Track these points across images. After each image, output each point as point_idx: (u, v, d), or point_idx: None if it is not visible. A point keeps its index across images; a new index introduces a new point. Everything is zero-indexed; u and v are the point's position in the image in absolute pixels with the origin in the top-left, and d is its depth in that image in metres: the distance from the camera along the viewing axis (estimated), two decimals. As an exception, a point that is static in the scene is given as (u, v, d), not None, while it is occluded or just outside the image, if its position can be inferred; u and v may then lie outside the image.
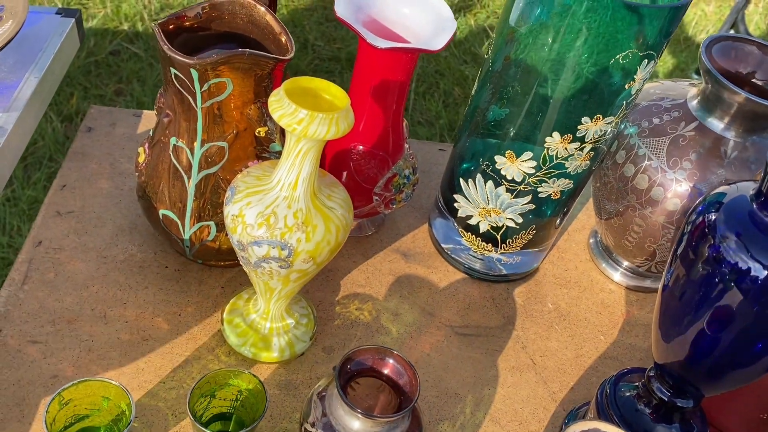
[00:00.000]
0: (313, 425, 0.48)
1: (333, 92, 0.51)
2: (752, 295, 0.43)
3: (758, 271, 0.42)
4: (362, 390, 0.53)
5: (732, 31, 2.60)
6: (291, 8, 2.20)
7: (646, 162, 0.64)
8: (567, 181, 0.64)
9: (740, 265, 0.42)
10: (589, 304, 0.75)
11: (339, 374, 0.47)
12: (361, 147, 0.68)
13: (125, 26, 1.96)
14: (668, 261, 0.48)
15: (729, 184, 0.48)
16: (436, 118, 1.80)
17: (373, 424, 0.46)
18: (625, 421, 0.54)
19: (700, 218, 0.46)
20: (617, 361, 0.70)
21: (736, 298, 0.44)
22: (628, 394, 0.56)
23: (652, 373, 0.54)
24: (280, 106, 0.48)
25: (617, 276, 0.77)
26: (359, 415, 0.45)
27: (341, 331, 0.66)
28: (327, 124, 0.48)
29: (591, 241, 0.81)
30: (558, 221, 0.71)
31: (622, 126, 0.67)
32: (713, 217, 0.45)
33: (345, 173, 0.69)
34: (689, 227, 0.46)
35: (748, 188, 0.45)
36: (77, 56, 1.76)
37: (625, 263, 0.76)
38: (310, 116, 0.47)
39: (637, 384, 0.56)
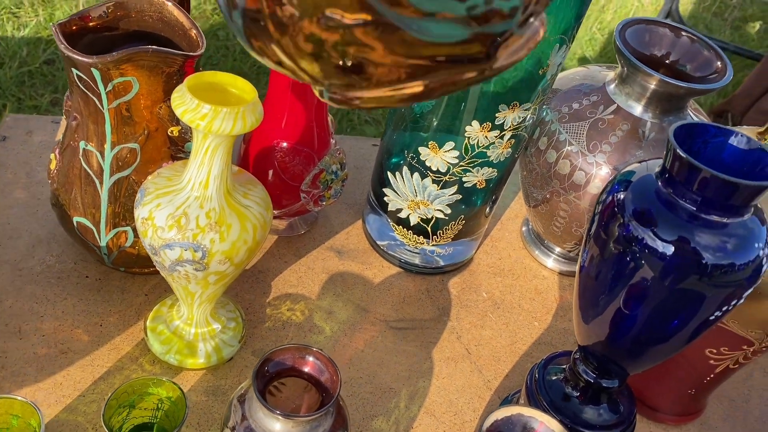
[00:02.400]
0: (233, 429, 0.46)
1: (240, 86, 0.49)
2: (662, 272, 0.43)
3: (666, 248, 0.42)
4: (288, 391, 0.52)
5: (668, 21, 2.67)
6: (218, 8, 2.17)
7: (567, 147, 0.65)
8: (491, 169, 0.64)
9: (648, 242, 0.43)
10: (522, 291, 0.75)
11: (257, 376, 0.45)
12: (284, 144, 0.67)
13: (58, 33, 1.90)
14: (583, 241, 0.49)
15: (640, 162, 0.49)
16: (383, 117, 1.80)
17: (294, 424, 0.45)
18: (554, 405, 0.54)
19: (610, 197, 0.46)
20: (551, 346, 0.70)
21: (647, 276, 0.44)
22: (555, 377, 0.56)
23: (577, 356, 0.54)
24: (183, 102, 0.46)
25: (550, 262, 0.78)
26: (278, 416, 0.44)
27: (272, 333, 0.65)
28: (233, 118, 0.46)
29: (524, 229, 0.81)
30: (487, 210, 0.71)
31: (543, 112, 0.68)
32: (622, 196, 0.45)
33: (270, 171, 0.68)
34: (600, 207, 0.46)
35: (655, 166, 0.45)
36: (9, 66, 1.69)
37: (557, 249, 0.77)
38: (213, 111, 0.46)
39: (564, 367, 0.56)
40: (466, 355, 0.67)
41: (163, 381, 0.50)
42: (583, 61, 2.31)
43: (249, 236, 0.52)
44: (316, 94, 0.28)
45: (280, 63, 0.26)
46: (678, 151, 0.41)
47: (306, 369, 0.48)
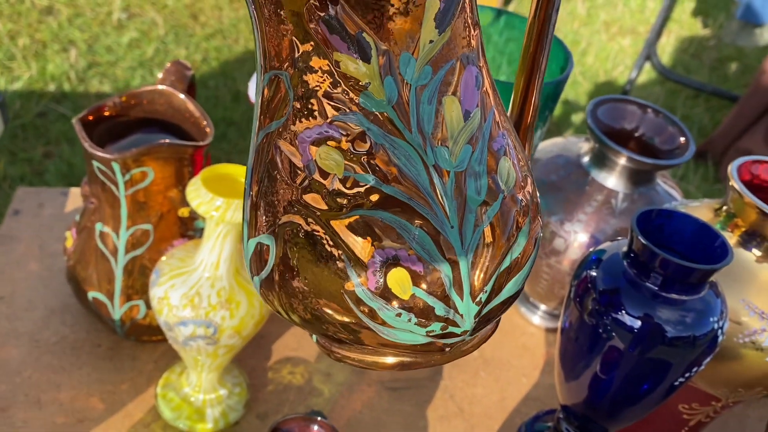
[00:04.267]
0: (244, 496, 0.50)
1: (247, 177, 0.54)
2: (631, 343, 0.48)
3: (633, 322, 0.47)
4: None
5: (648, 63, 2.77)
6: (222, 60, 2.24)
7: (546, 215, 0.70)
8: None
9: (618, 317, 0.48)
10: (511, 348, 0.80)
11: (266, 445, 0.49)
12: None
13: (52, 87, 1.95)
14: (563, 304, 0.53)
15: (613, 241, 0.54)
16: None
17: (301, 490, 0.49)
18: (541, 462, 0.58)
19: (584, 273, 0.51)
20: (539, 401, 0.74)
21: (618, 346, 0.49)
22: (541, 436, 0.60)
23: (561, 415, 0.59)
24: (198, 195, 0.51)
25: (536, 319, 0.82)
26: (286, 483, 0.48)
27: (274, 396, 0.69)
28: (242, 209, 0.51)
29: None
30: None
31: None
32: (594, 274, 0.50)
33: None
34: (576, 281, 0.51)
35: (623, 246, 0.51)
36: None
37: (543, 307, 0.82)
38: (226, 203, 0.51)
39: (550, 425, 0.61)
40: (459, 413, 0.72)
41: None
42: (566, 104, 2.39)
43: (256, 311, 0.56)
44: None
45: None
46: (639, 238, 0.46)
47: (311, 437, 0.52)
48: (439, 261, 0.30)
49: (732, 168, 0.55)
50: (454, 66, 0.30)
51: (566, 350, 0.54)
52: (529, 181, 0.34)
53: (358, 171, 0.29)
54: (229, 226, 0.53)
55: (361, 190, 0.29)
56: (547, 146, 0.76)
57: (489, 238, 0.31)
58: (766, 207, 0.51)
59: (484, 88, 0.31)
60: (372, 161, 0.29)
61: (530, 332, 0.82)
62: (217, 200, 0.51)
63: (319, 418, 0.51)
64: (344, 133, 0.29)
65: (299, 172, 0.30)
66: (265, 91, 0.31)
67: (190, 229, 0.64)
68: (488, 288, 0.32)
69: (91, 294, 0.64)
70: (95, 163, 0.58)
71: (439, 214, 0.30)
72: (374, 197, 0.29)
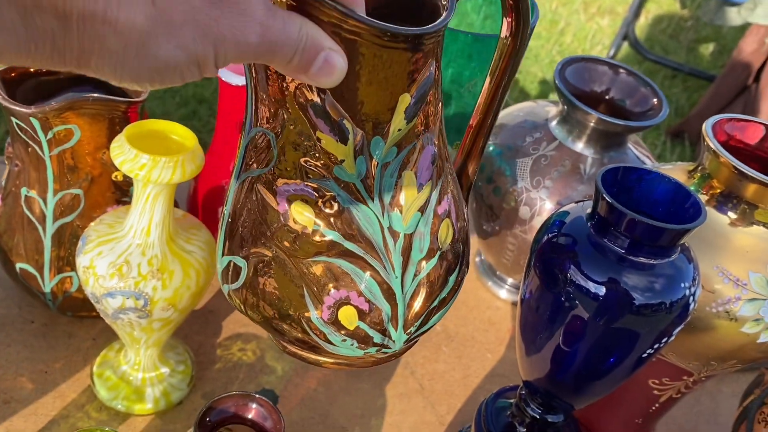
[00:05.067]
0: (176, 481, 0.46)
1: (181, 133, 0.50)
2: (596, 312, 0.44)
3: (598, 289, 0.43)
4: (235, 437, 0.52)
5: (626, 43, 2.74)
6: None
7: (511, 182, 0.66)
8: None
9: (581, 284, 0.44)
10: (476, 323, 0.76)
11: (198, 426, 0.45)
12: (233, 184, 0.67)
13: None
14: (523, 275, 0.49)
15: (577, 203, 0.50)
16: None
17: (237, 473, 0.45)
18: (502, 442, 0.55)
19: (545, 237, 0.47)
20: (504, 377, 0.71)
21: (582, 315, 0.45)
22: (503, 413, 0.56)
23: (523, 391, 0.55)
24: (121, 152, 0.46)
25: (503, 293, 0.79)
26: (220, 467, 0.44)
27: (222, 374, 0.64)
28: (171, 167, 0.46)
29: (477, 260, 0.82)
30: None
31: (489, 147, 0.69)
32: (556, 238, 0.46)
33: (220, 210, 0.68)
34: (536, 246, 0.47)
35: (587, 207, 0.47)
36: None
37: (509, 280, 0.78)
38: (152, 161, 0.46)
39: (512, 402, 0.57)
40: (420, 390, 0.68)
41: (106, 430, 0.50)
42: (544, 83, 2.35)
43: (192, 282, 0.52)
44: None
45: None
46: (604, 195, 0.42)
47: (249, 416, 0.48)
48: (381, 302, 0.37)
49: (707, 126, 0.52)
50: (415, 146, 0.35)
51: (527, 322, 0.51)
52: (464, 230, 0.41)
53: (325, 227, 0.35)
54: (159, 187, 0.48)
55: (326, 240, 0.35)
56: (513, 111, 0.72)
57: (424, 286, 0.38)
58: (742, 166, 0.48)
59: (438, 162, 0.37)
60: (337, 221, 0.35)
61: (496, 306, 0.78)
62: (142, 157, 0.46)
63: (257, 395, 0.47)
64: (318, 194, 0.34)
65: (275, 216, 0.35)
66: (252, 139, 0.35)
67: (126, 195, 0.59)
68: (418, 322, 0.39)
69: (19, 265, 0.59)
70: (14, 120, 0.52)
71: (387, 267, 0.36)
72: (335, 249, 0.35)
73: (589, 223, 0.45)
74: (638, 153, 0.68)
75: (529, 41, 0.41)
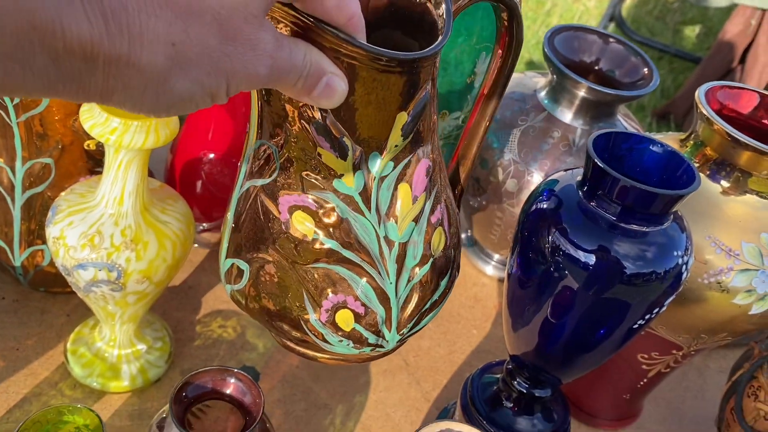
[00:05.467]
0: (151, 458, 0.44)
1: (155, 98, 0.47)
2: (585, 282, 0.43)
3: (588, 258, 0.42)
4: (214, 414, 0.50)
5: (612, 24, 2.73)
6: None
7: (499, 155, 0.64)
8: (424, 178, 0.64)
9: (571, 253, 0.42)
10: (462, 300, 0.75)
11: (174, 401, 0.43)
12: (212, 155, 0.65)
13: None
14: (510, 248, 0.48)
15: (566, 170, 0.49)
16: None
17: (214, 450, 0.43)
18: (488, 417, 0.54)
19: (533, 206, 0.45)
20: (490, 354, 0.70)
21: (572, 285, 0.44)
22: (489, 388, 0.55)
23: (510, 366, 0.54)
24: (91, 115, 0.44)
25: (489, 269, 0.77)
26: (197, 443, 0.42)
27: (202, 351, 0.63)
28: (144, 132, 0.44)
29: (463, 236, 0.81)
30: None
31: (476, 119, 0.67)
32: (545, 206, 0.44)
33: (198, 183, 0.66)
34: (524, 216, 0.46)
35: (578, 175, 0.45)
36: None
37: (496, 256, 0.77)
38: (123, 125, 0.44)
39: (498, 377, 0.56)
40: (404, 367, 0.66)
41: (79, 408, 0.48)
42: (530, 64, 2.34)
43: (168, 254, 0.50)
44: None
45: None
46: (596, 160, 0.40)
47: (228, 391, 0.46)
48: (376, 306, 0.39)
49: (700, 93, 0.50)
50: (411, 160, 0.37)
51: (514, 294, 0.49)
52: (456, 235, 0.43)
53: (324, 236, 0.37)
54: (132, 153, 0.46)
55: (325, 248, 0.37)
56: (502, 82, 0.70)
57: (417, 290, 0.40)
58: (736, 132, 0.46)
59: (433, 174, 0.39)
60: (336, 230, 0.37)
61: (482, 282, 0.77)
62: (113, 121, 0.43)
63: (236, 370, 0.45)
64: (318, 205, 0.36)
65: (277, 225, 0.37)
66: (256, 151, 0.37)
67: (99, 164, 0.57)
68: (411, 324, 0.41)
69: (-12, 238, 0.57)
70: (-22, 83, 0.50)
71: (383, 273, 0.38)
72: (334, 256, 0.37)
73: (579, 191, 0.43)
74: (627, 125, 0.66)
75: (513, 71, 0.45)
